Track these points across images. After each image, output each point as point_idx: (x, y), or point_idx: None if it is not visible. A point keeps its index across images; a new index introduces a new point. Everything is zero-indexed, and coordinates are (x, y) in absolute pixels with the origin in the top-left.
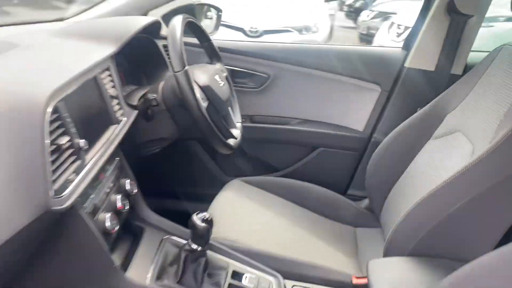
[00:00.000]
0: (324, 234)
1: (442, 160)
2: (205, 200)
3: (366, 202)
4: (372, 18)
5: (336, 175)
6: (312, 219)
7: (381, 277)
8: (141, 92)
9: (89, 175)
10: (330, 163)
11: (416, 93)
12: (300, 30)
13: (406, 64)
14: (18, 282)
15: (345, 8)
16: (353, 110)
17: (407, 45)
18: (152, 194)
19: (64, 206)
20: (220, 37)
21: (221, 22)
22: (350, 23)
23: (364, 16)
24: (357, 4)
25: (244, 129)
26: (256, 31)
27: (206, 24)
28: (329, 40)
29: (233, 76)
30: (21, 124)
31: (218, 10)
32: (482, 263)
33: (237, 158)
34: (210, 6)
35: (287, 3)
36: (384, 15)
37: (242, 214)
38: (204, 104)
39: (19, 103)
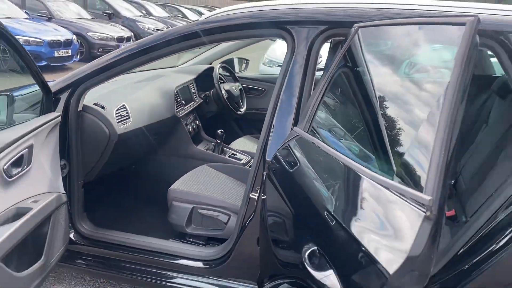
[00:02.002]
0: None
1: None
2: None
3: None
4: None
5: None
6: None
7: None
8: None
9: None
10: None
11: None
12: None
13: None
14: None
15: None
16: None
17: None
18: None
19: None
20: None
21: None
22: None
23: None
24: None
25: None
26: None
27: (243, 66)
28: None
29: (246, 89)
30: None
31: (247, 60)
32: None
33: None
34: (243, 59)
35: None
36: None
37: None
38: (225, 96)
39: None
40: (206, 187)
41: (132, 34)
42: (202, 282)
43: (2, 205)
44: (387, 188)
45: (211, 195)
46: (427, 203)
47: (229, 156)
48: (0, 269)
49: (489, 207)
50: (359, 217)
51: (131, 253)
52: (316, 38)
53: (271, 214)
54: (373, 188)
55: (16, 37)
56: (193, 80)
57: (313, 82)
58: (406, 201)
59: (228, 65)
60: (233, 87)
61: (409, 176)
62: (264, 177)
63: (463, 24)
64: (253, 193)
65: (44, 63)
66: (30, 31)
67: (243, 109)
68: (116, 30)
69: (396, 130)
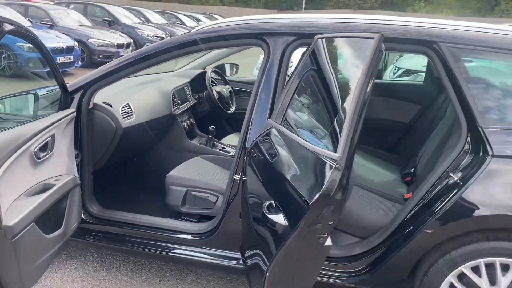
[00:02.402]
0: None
1: None
2: None
3: None
4: None
5: None
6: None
7: None
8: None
9: None
10: None
11: None
12: None
13: None
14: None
15: None
16: None
17: None
18: None
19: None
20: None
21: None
22: None
23: None
24: None
25: None
26: None
27: (234, 70)
28: None
29: (236, 91)
30: None
31: (237, 65)
32: None
33: None
34: (234, 64)
35: None
36: None
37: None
38: (216, 97)
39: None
40: (199, 174)
41: (132, 40)
42: (195, 251)
43: (33, 181)
44: (318, 154)
45: (202, 180)
46: (336, 159)
47: (219, 149)
48: (33, 229)
49: (421, 190)
50: (300, 175)
51: (134, 229)
52: (287, 47)
53: (250, 192)
54: (311, 155)
55: (21, 44)
56: (188, 83)
57: (285, 83)
58: (327, 160)
59: (219, 70)
60: (224, 89)
61: (332, 145)
62: (245, 162)
63: (372, 38)
64: (236, 176)
65: (47, 69)
66: None
67: (232, 109)
68: (116, 37)
69: (329, 116)
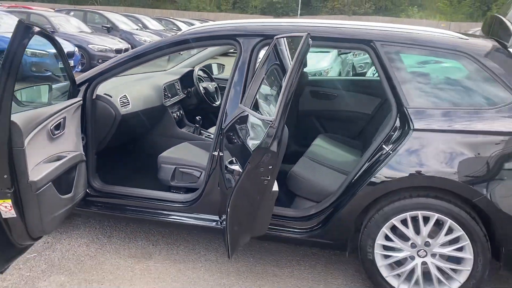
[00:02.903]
0: None
1: None
2: None
3: None
4: None
5: None
6: None
7: None
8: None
9: None
10: None
11: None
12: None
13: None
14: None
15: None
16: None
17: None
18: None
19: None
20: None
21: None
22: None
23: None
24: None
25: None
26: None
27: (220, 69)
28: None
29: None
30: None
31: (223, 65)
32: None
33: None
34: (220, 64)
35: None
36: None
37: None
38: (203, 92)
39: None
40: (186, 155)
41: (130, 46)
42: (182, 216)
43: (50, 152)
44: (263, 120)
45: (188, 159)
46: (272, 120)
47: (205, 137)
48: (51, 187)
49: (362, 160)
50: (253, 136)
51: (131, 200)
52: (256, 46)
53: (225, 165)
54: (260, 122)
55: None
56: (177, 80)
57: (253, 76)
58: (267, 122)
59: (206, 69)
60: (210, 85)
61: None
62: (221, 140)
63: (301, 36)
64: (214, 152)
65: (49, 73)
66: (36, 44)
67: (217, 103)
68: (114, 43)
69: (276, 96)
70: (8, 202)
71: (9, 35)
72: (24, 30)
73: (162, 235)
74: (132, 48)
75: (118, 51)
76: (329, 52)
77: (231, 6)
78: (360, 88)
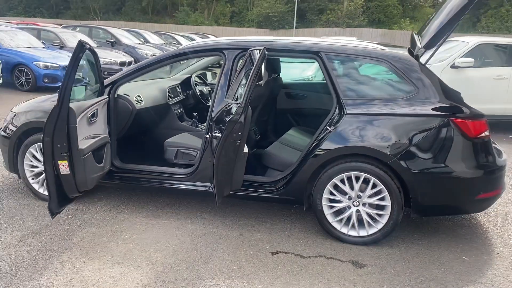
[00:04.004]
0: None
1: None
2: None
3: None
4: None
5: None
6: None
7: None
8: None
9: None
10: None
11: None
12: None
13: None
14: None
15: None
16: None
17: None
18: None
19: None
20: None
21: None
22: None
23: None
24: None
25: None
26: None
27: (214, 76)
28: None
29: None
30: None
31: (215, 73)
32: None
33: None
34: (214, 72)
35: None
36: None
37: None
38: (198, 94)
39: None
40: (186, 140)
41: (133, 59)
42: (183, 184)
43: (89, 132)
44: (236, 104)
45: (188, 143)
46: (240, 102)
47: (200, 129)
48: (91, 156)
49: (314, 137)
50: (229, 116)
51: (144, 174)
52: (236, 56)
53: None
54: (235, 106)
55: (37, 62)
56: (178, 84)
57: (235, 78)
58: (238, 105)
59: (202, 76)
60: (204, 89)
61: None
62: (211, 126)
63: (260, 49)
64: (206, 135)
65: (59, 83)
66: (48, 57)
67: (210, 103)
68: (118, 56)
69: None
70: (65, 163)
71: (23, 50)
72: (81, 47)
73: (167, 203)
74: (135, 61)
75: (122, 64)
76: (313, 62)
77: (228, 20)
78: (325, 89)
